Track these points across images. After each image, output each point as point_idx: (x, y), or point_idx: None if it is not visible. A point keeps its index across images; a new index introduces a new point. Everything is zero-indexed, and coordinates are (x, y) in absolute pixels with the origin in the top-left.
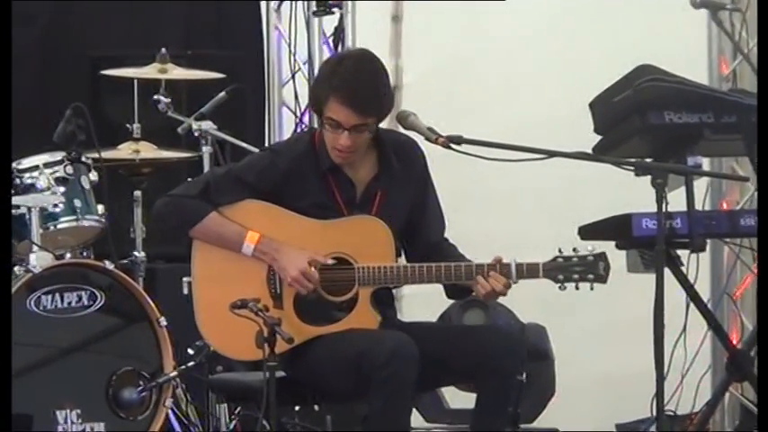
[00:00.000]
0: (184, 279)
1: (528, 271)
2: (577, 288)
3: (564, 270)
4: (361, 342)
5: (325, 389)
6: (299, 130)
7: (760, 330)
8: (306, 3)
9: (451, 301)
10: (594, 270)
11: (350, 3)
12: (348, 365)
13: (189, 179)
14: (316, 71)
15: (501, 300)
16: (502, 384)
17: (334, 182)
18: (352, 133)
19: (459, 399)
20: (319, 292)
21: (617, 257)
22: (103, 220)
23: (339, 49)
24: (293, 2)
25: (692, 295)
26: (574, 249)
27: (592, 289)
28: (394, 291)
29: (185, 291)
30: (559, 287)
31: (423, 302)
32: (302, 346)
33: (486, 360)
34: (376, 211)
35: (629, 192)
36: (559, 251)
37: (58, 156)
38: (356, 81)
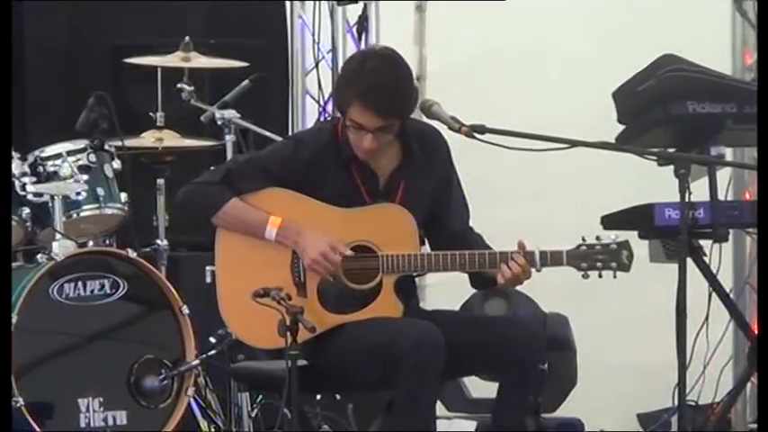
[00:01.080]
0: (207, 268)
1: (552, 259)
2: (600, 276)
3: (587, 258)
4: (386, 330)
5: (348, 377)
6: (322, 118)
7: (760, 331)
8: None
9: (474, 290)
10: (617, 258)
11: None
12: (373, 354)
13: (211, 168)
14: (339, 60)
15: (524, 290)
16: (522, 376)
17: (357, 172)
18: (376, 134)
19: (480, 388)
20: (343, 281)
21: (640, 247)
22: (126, 208)
23: (363, 37)
24: None
25: (715, 285)
26: (597, 238)
27: (615, 277)
28: (417, 279)
29: (208, 279)
30: (582, 275)
31: (446, 291)
32: (325, 335)
33: (506, 352)
34: (399, 201)
35: (651, 181)
36: (583, 239)
37: (81, 144)
38: (379, 85)
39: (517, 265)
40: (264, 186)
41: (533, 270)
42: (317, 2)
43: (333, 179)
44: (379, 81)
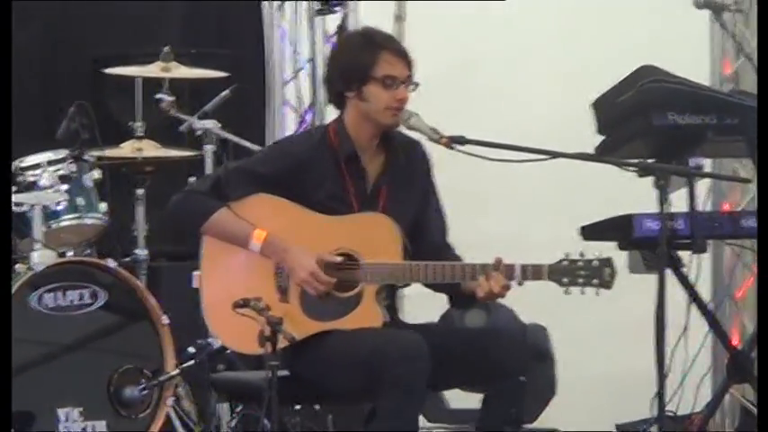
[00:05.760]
0: (194, 273)
1: (533, 273)
2: (582, 293)
3: (568, 273)
4: (371, 341)
5: (330, 388)
6: (301, 128)
7: (760, 331)
8: (309, 2)
9: None
10: (599, 275)
11: (352, 2)
12: (357, 364)
13: (190, 178)
14: (318, 70)
15: (503, 300)
16: (507, 386)
17: (348, 173)
18: (406, 86)
19: (459, 399)
20: None
21: (619, 258)
22: (106, 218)
23: None
24: (296, 1)
25: (694, 296)
26: (581, 254)
27: (597, 294)
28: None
29: (195, 284)
30: (564, 291)
31: (424, 302)
32: (307, 345)
33: (490, 362)
34: (383, 205)
35: (630, 192)
36: (566, 255)
37: (61, 154)
38: (393, 38)
39: (495, 282)
40: (254, 192)
41: (514, 283)
42: (296, 11)
43: (325, 178)
44: (390, 36)
